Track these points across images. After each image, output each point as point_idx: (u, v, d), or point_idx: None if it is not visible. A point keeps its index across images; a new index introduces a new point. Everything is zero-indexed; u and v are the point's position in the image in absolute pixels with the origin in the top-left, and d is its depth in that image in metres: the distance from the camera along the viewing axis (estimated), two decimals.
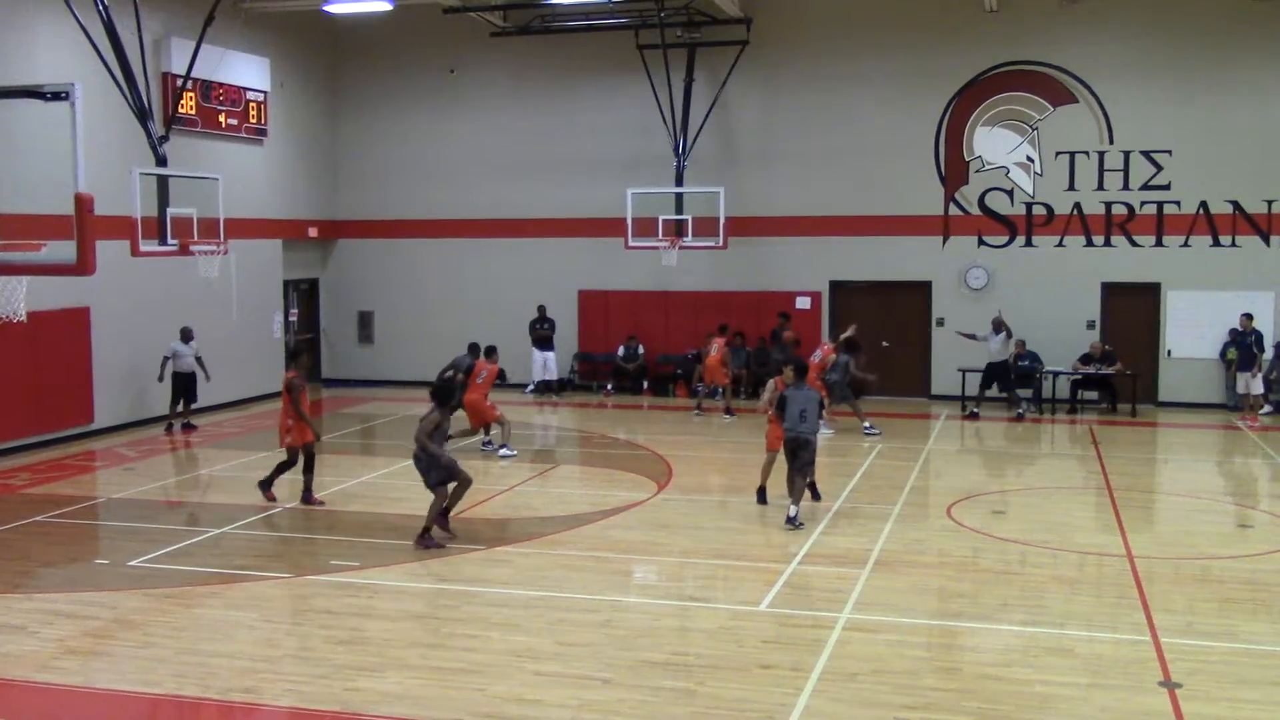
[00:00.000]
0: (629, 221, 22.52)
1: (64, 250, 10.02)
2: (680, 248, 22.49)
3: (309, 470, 14.42)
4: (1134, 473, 16.93)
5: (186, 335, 20.01)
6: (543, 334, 24.62)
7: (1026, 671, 8.91)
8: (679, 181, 23.31)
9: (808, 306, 24.23)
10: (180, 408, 20.10)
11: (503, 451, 17.72)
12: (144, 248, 15.99)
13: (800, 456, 13.41)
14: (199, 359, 20.03)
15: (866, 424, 19.49)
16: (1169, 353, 22.70)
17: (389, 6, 21.92)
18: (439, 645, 9.56)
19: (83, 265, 9.91)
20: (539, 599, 10.77)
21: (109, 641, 9.75)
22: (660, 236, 22.45)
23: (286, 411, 14.29)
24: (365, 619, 10.22)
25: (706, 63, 23.99)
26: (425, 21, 24.61)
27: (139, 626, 10.11)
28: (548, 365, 24.50)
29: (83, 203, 9.76)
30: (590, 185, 24.86)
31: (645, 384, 24.78)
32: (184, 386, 20.02)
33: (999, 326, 21.63)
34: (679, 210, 22.88)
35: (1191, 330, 22.48)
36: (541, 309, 24.76)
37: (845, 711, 8.17)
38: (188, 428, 20.19)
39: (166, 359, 19.90)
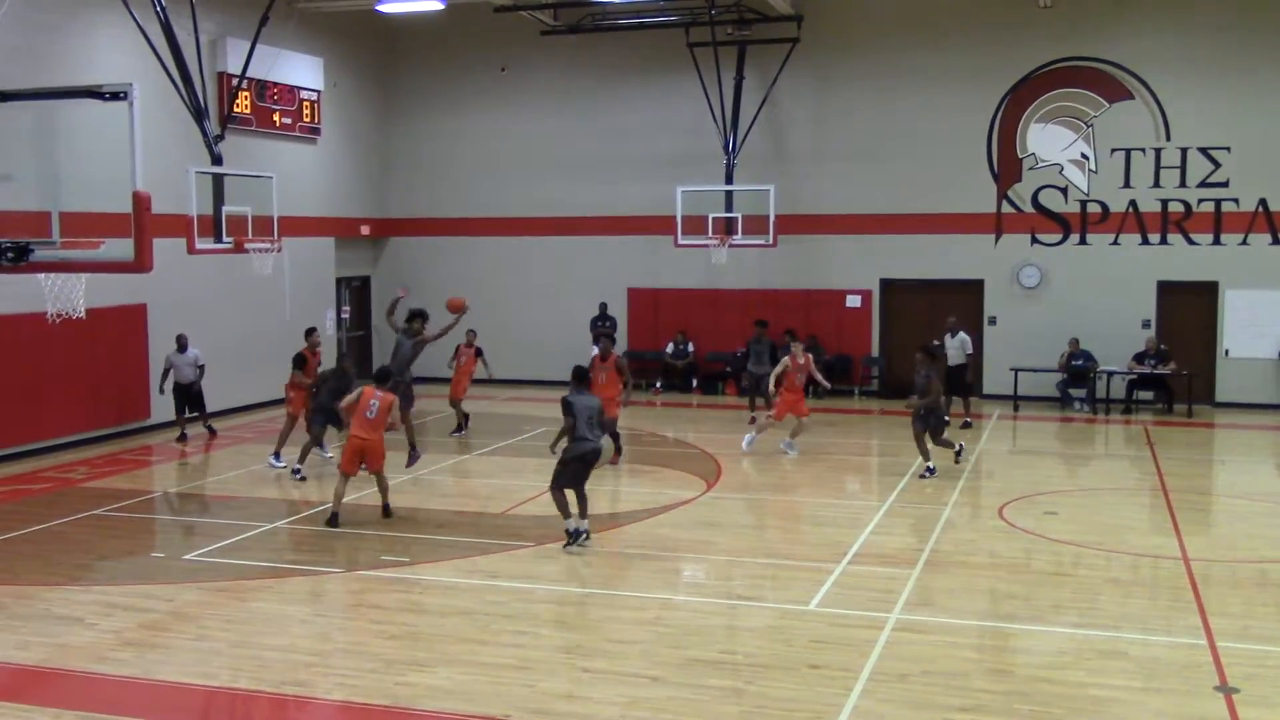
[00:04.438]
0: (679, 220, 22.45)
1: (122, 248, 10.17)
2: (730, 246, 22.42)
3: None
4: (1190, 474, 16.70)
5: (182, 344, 18.77)
6: (604, 331, 24.60)
7: (1080, 674, 8.82)
8: (729, 179, 23.24)
9: (858, 305, 24.11)
10: (187, 415, 19.06)
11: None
12: (199, 245, 16.15)
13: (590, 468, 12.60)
14: (201, 367, 18.89)
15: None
16: (1226, 352, 22.36)
17: (441, 6, 22.02)
18: (488, 641, 9.60)
19: (140, 262, 10.06)
20: (588, 596, 10.80)
21: (165, 634, 9.89)
22: (710, 235, 22.38)
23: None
24: (416, 614, 10.30)
25: (757, 60, 23.92)
26: (477, 20, 24.72)
27: (194, 619, 10.25)
28: None
29: (140, 201, 9.90)
30: (640, 183, 24.87)
31: (694, 382, 24.76)
32: (185, 397, 18.92)
33: (955, 329, 20.63)
34: (729, 208, 22.81)
35: (1250, 330, 22.12)
36: (603, 306, 24.80)
37: (895, 712, 8.12)
38: (211, 432, 19.29)
39: (166, 370, 18.82)
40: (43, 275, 11.46)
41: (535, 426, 20.55)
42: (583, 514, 12.45)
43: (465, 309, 18.07)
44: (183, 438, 19.05)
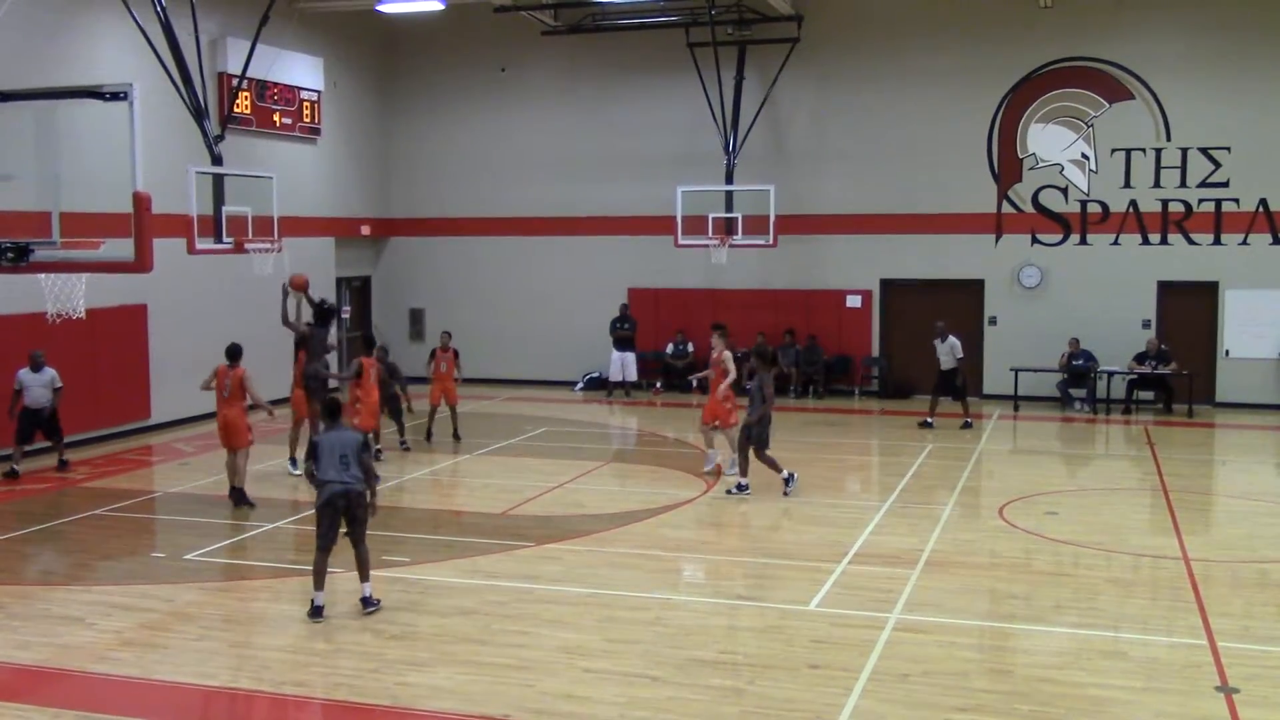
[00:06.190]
0: (679, 219, 22.42)
1: (122, 248, 10.19)
2: (730, 246, 22.40)
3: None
4: (1190, 474, 16.69)
5: (36, 363, 16.25)
6: (624, 334, 24.57)
7: (1080, 674, 8.82)
8: (729, 179, 23.23)
9: (858, 305, 24.11)
10: (35, 445, 16.69)
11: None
12: (200, 245, 16.16)
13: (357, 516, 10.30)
14: (57, 390, 16.42)
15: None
16: (1227, 353, 22.36)
17: (441, 6, 22.01)
18: (489, 641, 9.60)
19: (141, 263, 10.08)
20: (588, 596, 10.80)
21: (165, 634, 9.89)
22: (710, 234, 22.36)
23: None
24: (416, 614, 10.30)
25: (757, 60, 23.92)
26: (477, 21, 24.72)
27: (194, 619, 10.25)
28: (626, 366, 24.41)
29: (141, 201, 9.91)
30: (640, 183, 24.86)
31: (694, 382, 24.73)
32: (33, 422, 16.31)
33: (944, 334, 20.17)
34: (729, 208, 22.80)
35: (1250, 330, 22.10)
36: (624, 308, 24.73)
37: (895, 712, 8.12)
38: (63, 465, 16.73)
39: (18, 391, 16.25)
40: (43, 275, 11.47)
41: (536, 426, 20.57)
42: (363, 576, 10.35)
43: (305, 286, 16.74)
44: (12, 473, 16.08)
